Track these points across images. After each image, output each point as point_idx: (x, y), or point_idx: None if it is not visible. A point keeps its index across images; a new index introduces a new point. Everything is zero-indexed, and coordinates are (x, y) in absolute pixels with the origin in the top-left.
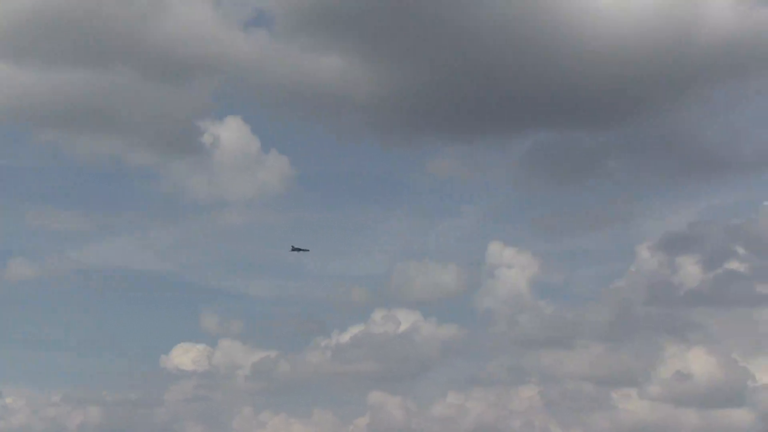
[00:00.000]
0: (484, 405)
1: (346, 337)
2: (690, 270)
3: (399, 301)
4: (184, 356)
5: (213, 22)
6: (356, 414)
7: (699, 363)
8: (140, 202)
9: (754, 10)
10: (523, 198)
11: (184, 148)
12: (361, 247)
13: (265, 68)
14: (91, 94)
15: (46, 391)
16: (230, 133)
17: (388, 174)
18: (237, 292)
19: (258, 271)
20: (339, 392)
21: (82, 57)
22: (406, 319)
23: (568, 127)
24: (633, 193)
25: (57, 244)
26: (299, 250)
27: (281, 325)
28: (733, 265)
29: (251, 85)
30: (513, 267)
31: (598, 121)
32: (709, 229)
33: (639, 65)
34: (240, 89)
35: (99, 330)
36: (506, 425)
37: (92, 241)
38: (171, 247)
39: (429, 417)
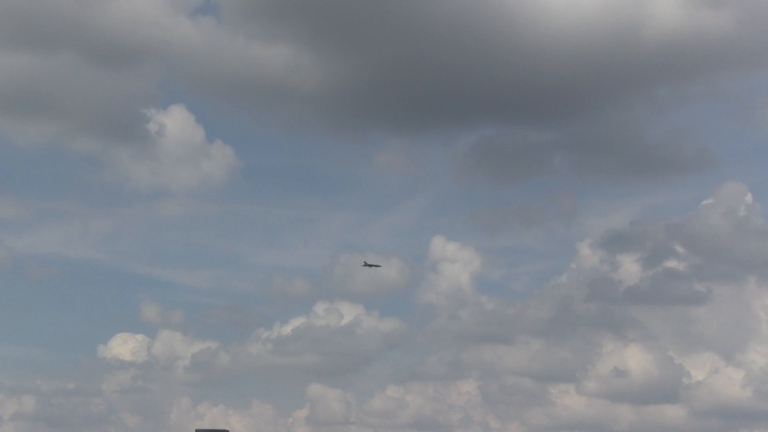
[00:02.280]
0: (423, 399)
1: (287, 330)
2: (629, 268)
3: (341, 294)
4: (123, 346)
5: (160, 8)
6: (295, 406)
7: (636, 360)
8: (80, 189)
9: (698, 11)
10: (467, 193)
11: (128, 135)
12: (304, 240)
13: (211, 57)
14: (33, 79)
15: None
16: (175, 122)
17: (334, 167)
18: (178, 283)
19: (200, 262)
20: (279, 384)
21: (24, 40)
22: (349, 313)
23: (513, 123)
24: (575, 191)
25: None
26: (371, 266)
27: (222, 316)
28: (672, 263)
29: (197, 74)
30: (455, 262)
31: (542, 118)
32: (649, 227)
33: (584, 64)
34: (186, 78)
35: (35, 319)
36: (445, 419)
37: (29, 229)
38: (111, 236)
39: (368, 410)
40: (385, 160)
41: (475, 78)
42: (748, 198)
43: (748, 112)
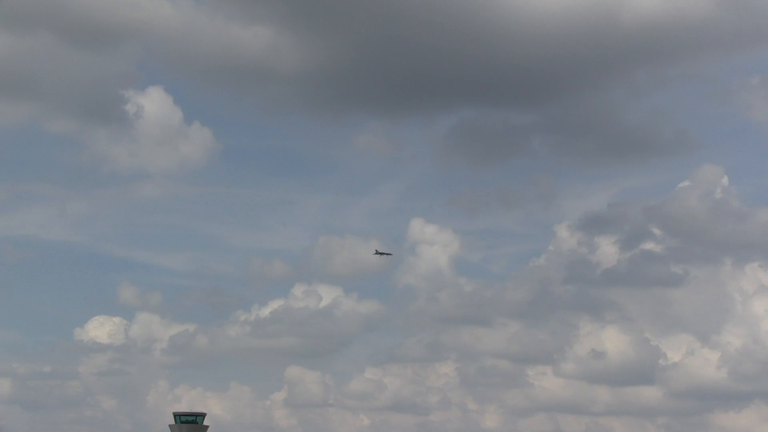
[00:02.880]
0: (401, 381)
1: (265, 312)
2: (607, 250)
3: (320, 276)
4: (100, 329)
5: None
6: (273, 388)
7: (613, 342)
8: (58, 170)
9: None
10: (446, 175)
11: (105, 117)
12: (283, 222)
13: (190, 38)
14: (10, 59)
15: None
16: (153, 104)
17: (313, 149)
18: (156, 265)
19: (178, 244)
20: (257, 367)
21: (0, 20)
22: (327, 295)
23: (492, 106)
24: (554, 173)
25: None
26: (382, 254)
27: (200, 299)
28: (649, 245)
29: (176, 55)
30: (434, 244)
31: (521, 100)
32: (626, 209)
33: (563, 47)
34: (164, 59)
35: (11, 301)
36: (423, 401)
37: (5, 211)
38: (89, 217)
39: (346, 392)
40: (364, 142)
41: (454, 61)
42: (725, 180)
43: (725, 95)
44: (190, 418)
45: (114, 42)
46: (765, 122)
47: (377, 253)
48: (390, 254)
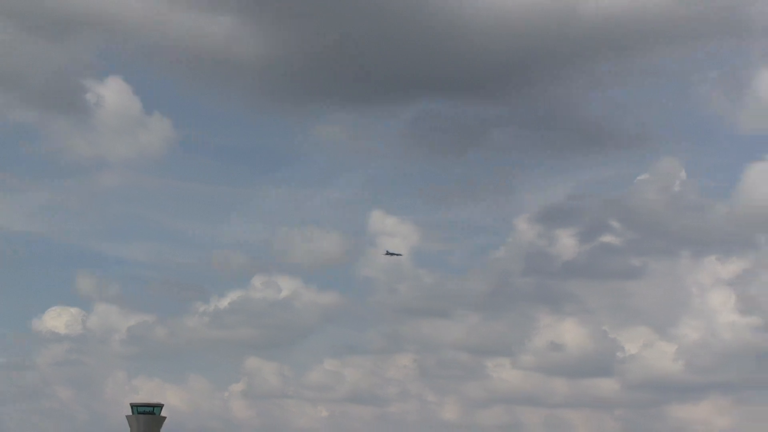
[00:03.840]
0: (360, 372)
1: (224, 303)
2: (566, 242)
3: (280, 267)
4: (57, 319)
5: None
6: (232, 380)
7: (571, 334)
8: (16, 160)
9: None
10: (407, 167)
11: (65, 106)
12: (243, 213)
13: (150, 27)
14: None
15: None
16: (112, 93)
17: (274, 140)
18: (114, 255)
19: (137, 234)
20: (215, 358)
21: None
22: (287, 286)
23: (453, 98)
24: (514, 165)
25: None
26: (393, 254)
27: (159, 290)
28: (608, 238)
29: (136, 45)
30: (394, 236)
31: (483, 93)
32: (586, 202)
33: (525, 39)
34: (124, 48)
35: None
36: (382, 392)
37: None
38: (46, 208)
39: (304, 383)
40: (325, 133)
41: (416, 52)
42: (683, 174)
43: (685, 89)
44: (147, 409)
45: (74, 31)
46: (723, 117)
47: (388, 253)
48: (400, 254)
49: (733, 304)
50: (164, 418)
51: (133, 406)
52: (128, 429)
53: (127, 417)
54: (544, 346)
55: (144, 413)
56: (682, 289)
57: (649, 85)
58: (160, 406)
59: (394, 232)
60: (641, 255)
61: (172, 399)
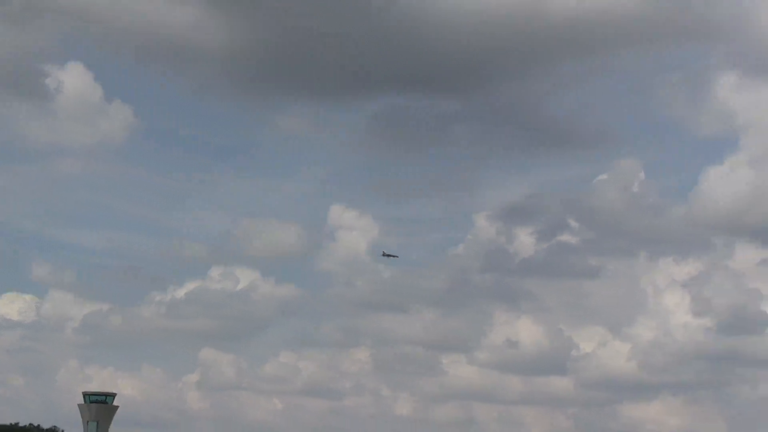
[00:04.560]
0: (315, 365)
1: (181, 293)
2: (525, 240)
3: (238, 259)
4: (10, 306)
5: None
6: (186, 370)
7: (527, 331)
8: None
9: None
10: (368, 161)
11: (24, 91)
12: (202, 203)
13: (113, 14)
14: None
15: None
16: (73, 79)
17: (236, 130)
18: (71, 242)
19: (94, 222)
20: (171, 348)
21: None
22: (245, 278)
23: (417, 93)
24: (475, 163)
25: None
26: (389, 256)
27: (116, 278)
28: (566, 237)
29: (98, 31)
30: (353, 230)
31: (446, 89)
32: (545, 201)
33: (490, 37)
34: (86, 34)
35: None
36: (337, 386)
37: None
38: (3, 193)
39: (260, 375)
40: (287, 126)
41: (381, 47)
42: (642, 175)
43: (646, 91)
44: (99, 398)
45: (36, 16)
46: (683, 119)
47: (384, 255)
48: (396, 257)
49: (687, 306)
50: (117, 407)
51: (86, 394)
52: (80, 418)
53: (79, 405)
54: (500, 343)
55: (96, 402)
56: (637, 289)
57: (610, 86)
58: (113, 396)
59: (353, 226)
60: (599, 255)
61: (125, 388)
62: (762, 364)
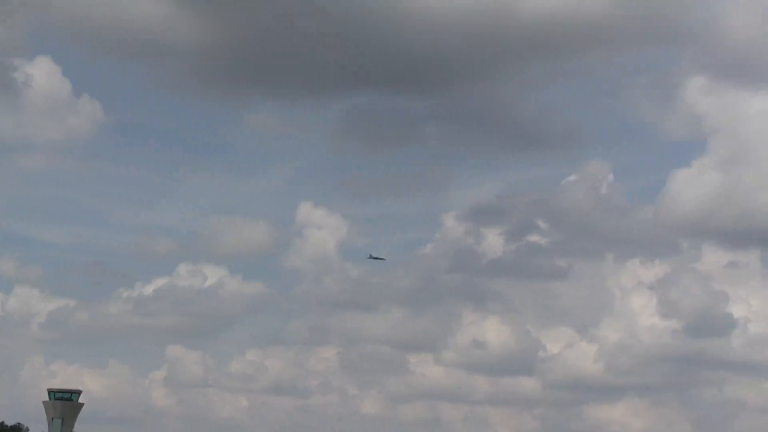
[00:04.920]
0: (282, 363)
1: (149, 290)
2: (493, 241)
3: (206, 256)
4: None
5: None
6: (153, 367)
7: (494, 332)
8: None
9: None
10: (337, 160)
11: None
12: (170, 200)
13: (83, 9)
14: None
15: None
16: (41, 73)
17: (205, 127)
18: (37, 238)
19: (62, 217)
20: (137, 345)
21: None
22: (213, 275)
23: (387, 92)
24: (445, 163)
25: None
26: (376, 258)
27: (83, 274)
28: (535, 238)
29: (67, 25)
30: (322, 228)
31: (416, 89)
32: (514, 201)
33: (460, 37)
34: (55, 28)
35: None
36: (303, 384)
37: None
38: None
39: (227, 373)
40: (257, 123)
41: (351, 45)
42: (610, 177)
43: (615, 93)
44: (64, 395)
45: (4, 9)
46: (652, 121)
47: (371, 257)
48: (383, 259)
49: (654, 307)
50: (82, 404)
51: (51, 391)
52: (45, 415)
53: (44, 403)
54: (467, 343)
55: (62, 399)
56: (605, 290)
57: (580, 88)
58: (78, 393)
59: (322, 224)
60: (566, 256)
61: (91, 385)
62: (728, 366)
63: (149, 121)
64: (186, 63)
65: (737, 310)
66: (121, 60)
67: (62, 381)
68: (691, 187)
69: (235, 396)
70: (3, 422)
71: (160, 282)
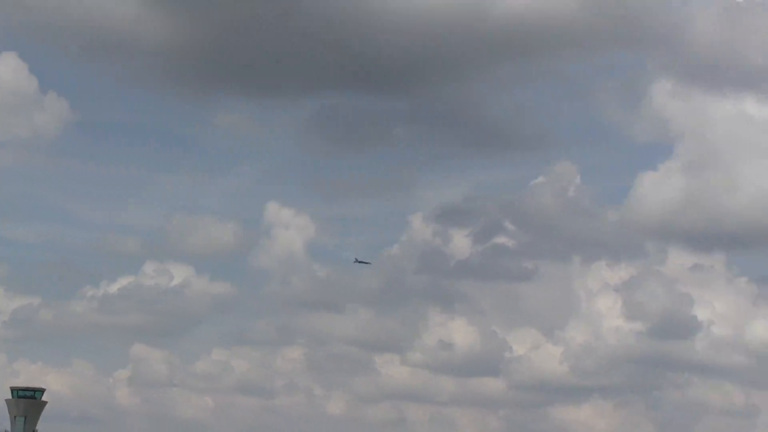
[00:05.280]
0: (248, 363)
1: (114, 288)
2: (460, 242)
3: (173, 254)
4: None
5: None
6: (117, 366)
7: (461, 333)
8: None
9: None
10: (306, 160)
11: None
12: (137, 198)
13: (51, 5)
14: None
15: None
16: (6, 70)
17: (173, 125)
18: (2, 235)
19: (26, 215)
20: (102, 343)
21: None
22: (179, 274)
23: (356, 92)
24: (414, 163)
25: None
26: (362, 262)
27: (47, 272)
28: (502, 239)
29: (33, 21)
30: (289, 228)
31: (386, 88)
32: (482, 203)
33: (430, 37)
34: (20, 24)
35: None
36: (269, 384)
37: None
38: None
39: (192, 372)
40: (225, 122)
41: (321, 45)
42: (578, 179)
43: (585, 95)
44: (27, 393)
45: None
46: (620, 124)
47: (357, 261)
48: (369, 263)
49: (619, 310)
50: (45, 402)
51: (13, 389)
52: (7, 413)
53: (7, 401)
54: (433, 344)
55: (24, 397)
56: (571, 292)
57: (549, 90)
58: (42, 391)
59: (289, 224)
60: (533, 258)
61: (54, 384)
62: (692, 368)
63: (117, 119)
64: (155, 61)
65: (701, 313)
66: (89, 58)
67: (25, 379)
68: (658, 190)
69: (201, 396)
70: None
71: (125, 281)
